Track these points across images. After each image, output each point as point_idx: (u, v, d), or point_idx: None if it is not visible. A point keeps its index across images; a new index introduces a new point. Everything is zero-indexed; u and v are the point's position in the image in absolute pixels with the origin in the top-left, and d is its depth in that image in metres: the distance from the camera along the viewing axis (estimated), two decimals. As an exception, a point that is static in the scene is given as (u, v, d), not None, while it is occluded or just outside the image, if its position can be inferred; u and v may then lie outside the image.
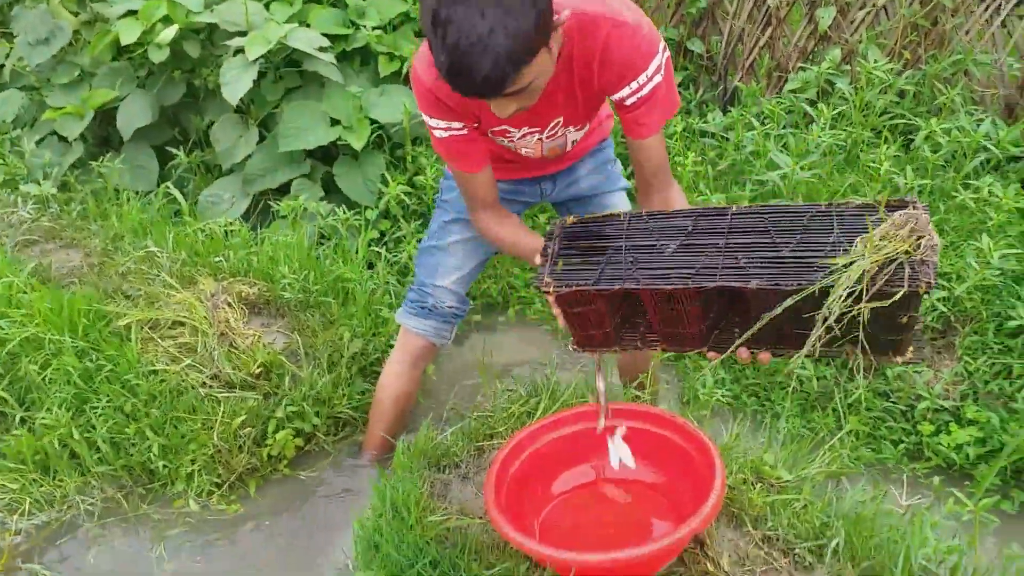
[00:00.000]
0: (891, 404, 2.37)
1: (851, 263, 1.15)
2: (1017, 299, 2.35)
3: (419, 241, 3.00)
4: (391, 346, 2.37)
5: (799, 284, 1.18)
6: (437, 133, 1.73)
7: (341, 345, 2.50)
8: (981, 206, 2.53)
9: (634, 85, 1.60)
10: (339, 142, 3.08)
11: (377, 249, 2.95)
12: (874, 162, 2.70)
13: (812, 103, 2.97)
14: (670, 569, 1.71)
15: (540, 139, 1.83)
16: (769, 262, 1.24)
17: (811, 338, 1.21)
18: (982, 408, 2.28)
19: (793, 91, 3.02)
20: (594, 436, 1.79)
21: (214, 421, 2.23)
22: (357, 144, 3.03)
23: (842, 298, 1.15)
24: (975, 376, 2.33)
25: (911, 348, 1.28)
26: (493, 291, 3.00)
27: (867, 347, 1.24)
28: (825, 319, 1.17)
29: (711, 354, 1.42)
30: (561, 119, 1.77)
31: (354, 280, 2.70)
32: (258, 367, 2.34)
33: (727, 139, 2.99)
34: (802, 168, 2.58)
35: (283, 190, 3.15)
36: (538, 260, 1.49)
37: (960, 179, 2.67)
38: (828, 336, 1.21)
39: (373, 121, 3.12)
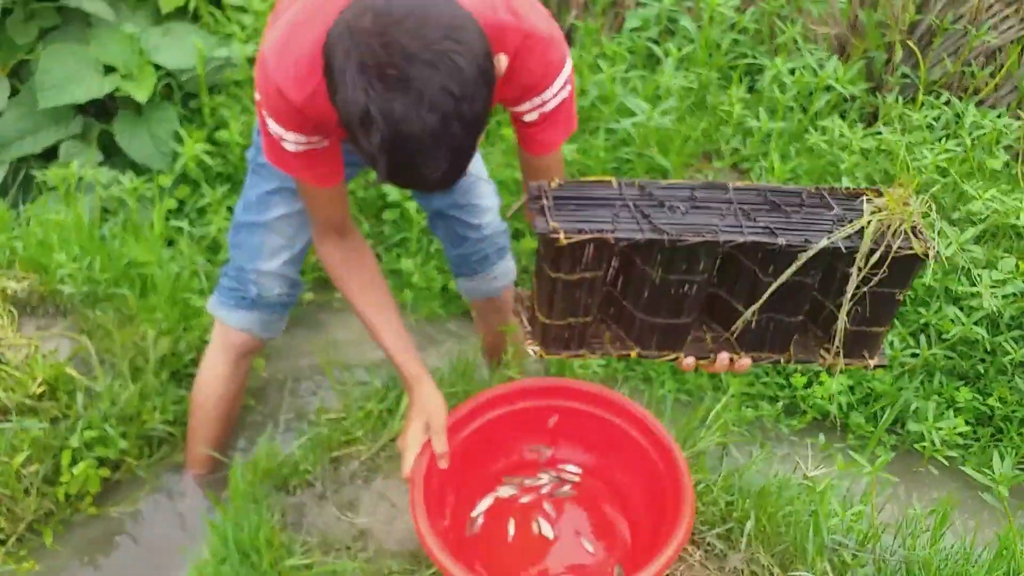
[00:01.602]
0: (761, 359, 2.30)
1: (868, 222, 1.18)
2: (874, 242, 2.33)
3: (229, 209, 2.57)
4: (207, 341, 1.97)
5: (827, 239, 1.18)
6: (289, 147, 1.35)
7: (144, 347, 2.06)
8: (832, 148, 2.49)
9: (537, 100, 1.38)
10: (117, 94, 2.55)
11: (177, 223, 2.48)
12: (725, 105, 2.58)
13: (655, 42, 2.81)
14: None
15: None
16: (784, 226, 1.20)
17: (844, 306, 1.23)
18: (849, 356, 2.25)
19: (634, 30, 2.84)
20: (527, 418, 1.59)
21: (-15, 462, 1.75)
22: (140, 96, 2.52)
23: (867, 253, 1.18)
24: (840, 324, 2.30)
25: (879, 351, 1.33)
26: (324, 264, 2.61)
27: (846, 344, 1.29)
28: (860, 268, 1.19)
29: (687, 361, 1.31)
30: None
31: (152, 263, 2.24)
32: (39, 385, 1.86)
33: (569, 83, 2.76)
34: (661, 114, 2.40)
35: (49, 155, 2.58)
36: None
37: (808, 120, 2.61)
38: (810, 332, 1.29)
39: (158, 67, 2.61)
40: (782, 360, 1.34)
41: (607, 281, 1.28)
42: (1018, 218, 2.27)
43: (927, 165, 2.40)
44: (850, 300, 1.23)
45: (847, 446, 2.18)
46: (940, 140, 2.55)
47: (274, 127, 1.33)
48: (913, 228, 1.19)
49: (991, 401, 2.17)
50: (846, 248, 1.18)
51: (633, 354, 1.32)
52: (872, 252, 1.18)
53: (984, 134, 2.52)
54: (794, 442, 2.20)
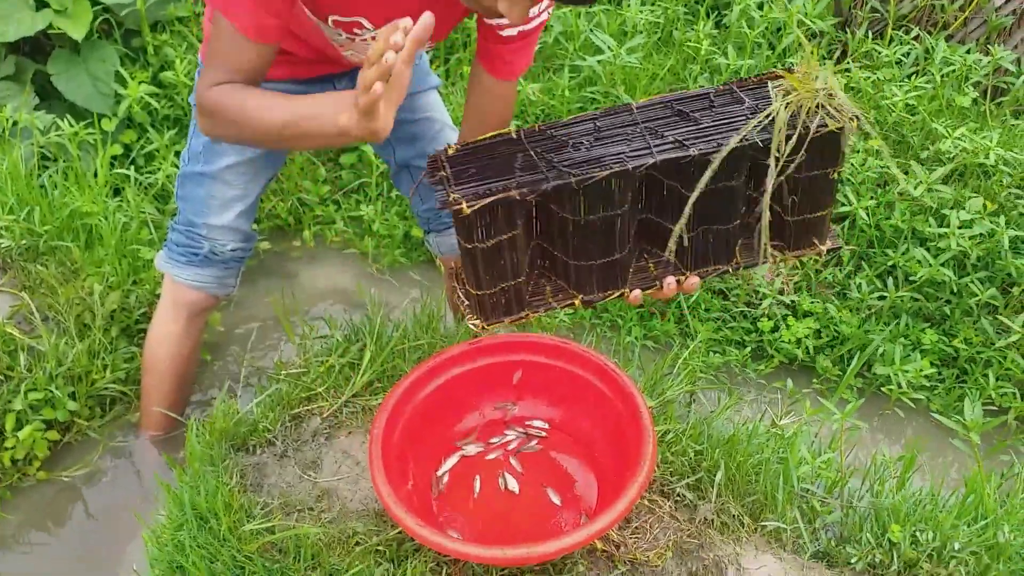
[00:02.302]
0: (730, 304, 2.27)
1: (778, 108, 1.10)
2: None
3: (178, 155, 2.44)
4: (159, 295, 1.88)
5: (737, 136, 1.11)
6: None
7: (91, 302, 1.96)
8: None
9: None
10: (51, 31, 2.39)
11: (124, 171, 2.35)
12: (692, 41, 2.49)
13: (619, -25, 2.71)
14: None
15: None
16: (695, 135, 1.16)
17: (765, 199, 1.12)
18: (817, 299, 2.23)
19: (597, -39, 2.72)
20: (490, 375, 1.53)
21: (-78, 429, 1.66)
22: (76, 33, 2.38)
23: (784, 134, 1.09)
24: (808, 266, 2.27)
25: (829, 233, 1.29)
26: (281, 210, 2.51)
27: (792, 237, 1.26)
28: (777, 159, 1.10)
29: (634, 294, 1.27)
30: None
31: (97, 213, 2.13)
32: (-23, 346, 1.77)
33: (532, 18, 2.65)
34: (628, 52, 2.31)
35: (-21, 99, 2.41)
36: (344, 120, 1.05)
37: (776, 57, 2.54)
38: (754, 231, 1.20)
39: (95, 3, 2.46)
40: (730, 269, 1.29)
41: (536, 233, 1.22)
42: (986, 157, 2.24)
43: (896, 103, 2.36)
44: (786, 191, 1.19)
45: (813, 390, 2.18)
46: (909, 77, 2.51)
47: None
48: (827, 103, 1.12)
49: (956, 342, 2.17)
50: (763, 141, 1.12)
51: (577, 302, 1.27)
52: (789, 137, 1.10)
53: (953, 70, 2.48)
54: (762, 386, 2.19)
